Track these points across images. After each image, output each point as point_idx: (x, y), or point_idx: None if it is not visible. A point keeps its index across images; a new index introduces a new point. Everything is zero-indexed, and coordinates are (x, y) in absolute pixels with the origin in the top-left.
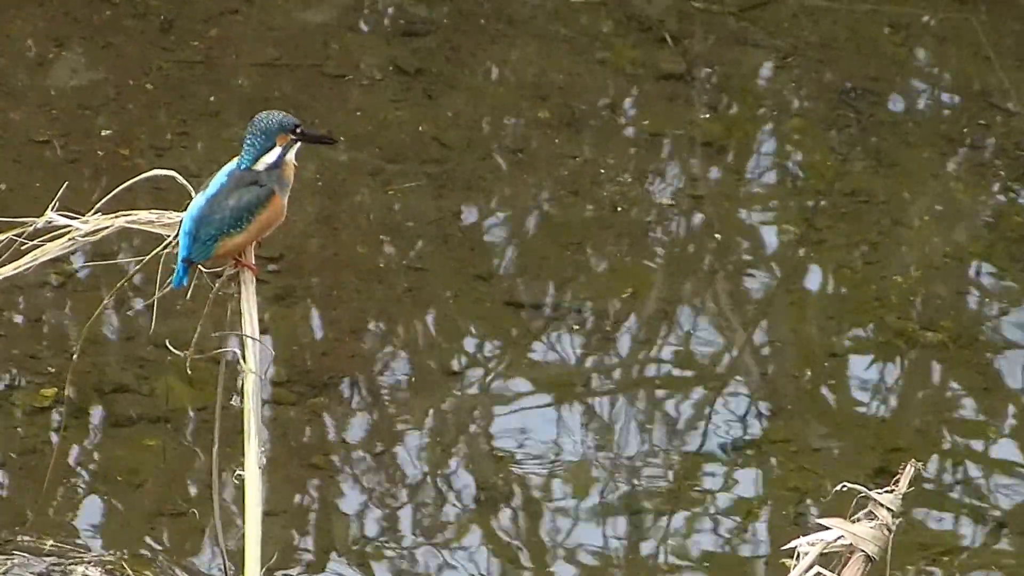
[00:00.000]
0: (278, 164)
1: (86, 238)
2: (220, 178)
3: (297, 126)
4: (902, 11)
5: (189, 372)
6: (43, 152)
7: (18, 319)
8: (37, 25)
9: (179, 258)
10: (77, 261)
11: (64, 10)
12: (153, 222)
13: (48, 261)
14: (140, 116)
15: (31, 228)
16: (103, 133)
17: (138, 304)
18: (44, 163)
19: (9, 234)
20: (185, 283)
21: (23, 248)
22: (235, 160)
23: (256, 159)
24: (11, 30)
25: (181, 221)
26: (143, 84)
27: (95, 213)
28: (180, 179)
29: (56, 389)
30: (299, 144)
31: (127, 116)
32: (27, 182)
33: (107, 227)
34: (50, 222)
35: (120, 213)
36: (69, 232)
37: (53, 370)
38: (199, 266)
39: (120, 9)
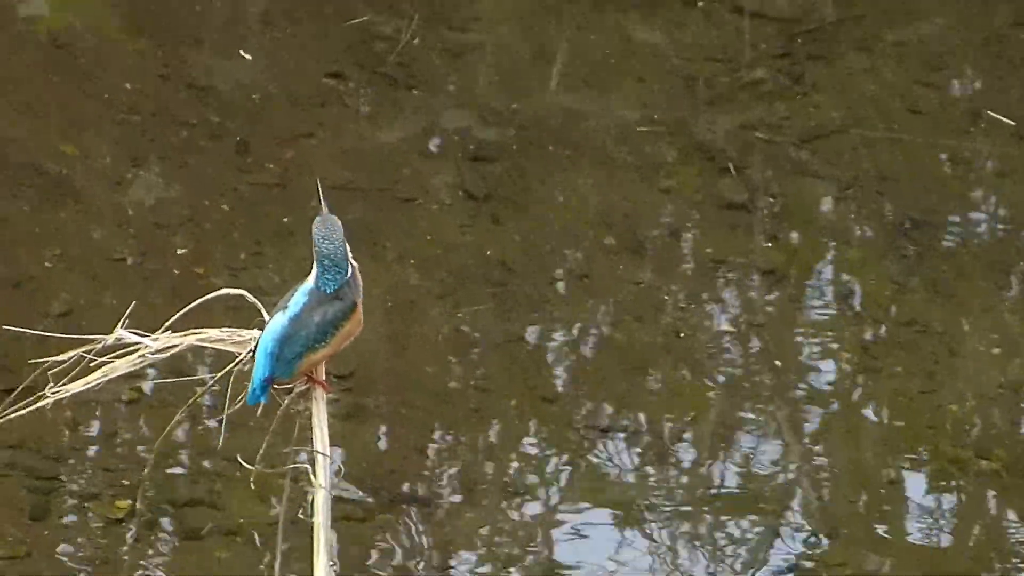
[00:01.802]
0: (351, 282)
1: (156, 355)
2: (300, 298)
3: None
4: (960, 144)
5: (253, 487)
6: (119, 270)
7: (94, 433)
8: (116, 145)
9: (257, 377)
10: (152, 378)
11: (142, 130)
12: (224, 340)
13: (123, 376)
14: (215, 235)
15: (101, 345)
16: (179, 252)
17: (210, 420)
18: (120, 280)
19: (80, 350)
20: (263, 401)
21: (92, 365)
22: (310, 280)
23: (341, 286)
24: (90, 149)
25: (255, 340)
26: (219, 204)
27: (165, 331)
28: (250, 298)
29: (130, 501)
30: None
31: (202, 235)
32: (103, 299)
33: (177, 345)
34: (120, 339)
35: (190, 331)
36: (139, 349)
37: (127, 483)
38: (275, 384)
39: (197, 130)
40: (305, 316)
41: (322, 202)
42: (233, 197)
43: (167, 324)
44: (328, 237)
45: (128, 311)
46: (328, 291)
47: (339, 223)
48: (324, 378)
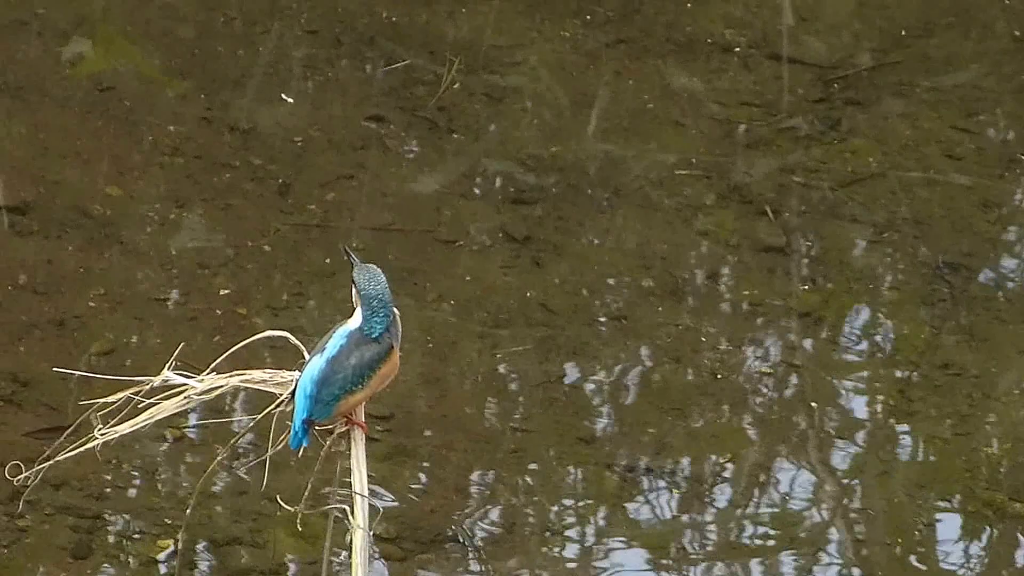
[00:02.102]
0: (393, 320)
1: (201, 396)
2: (338, 340)
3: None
4: (995, 189)
5: (299, 527)
6: (163, 310)
7: (136, 472)
8: (159, 187)
9: (297, 419)
10: (194, 418)
11: (186, 173)
12: (266, 381)
13: (167, 417)
14: (257, 276)
15: (148, 387)
16: (221, 292)
17: (250, 460)
18: (164, 321)
19: (127, 392)
20: (305, 444)
21: (139, 406)
22: (351, 323)
23: (387, 328)
24: (134, 191)
25: (295, 381)
26: (261, 245)
27: (209, 372)
28: (292, 339)
29: (171, 540)
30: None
31: (245, 276)
32: (147, 339)
33: (221, 386)
34: (166, 381)
35: (234, 372)
36: (184, 391)
37: (169, 522)
38: (315, 425)
39: (240, 172)
40: (342, 359)
41: (354, 261)
42: (275, 238)
43: (212, 366)
44: (374, 280)
45: (176, 353)
46: (375, 334)
47: (379, 269)
48: (363, 419)
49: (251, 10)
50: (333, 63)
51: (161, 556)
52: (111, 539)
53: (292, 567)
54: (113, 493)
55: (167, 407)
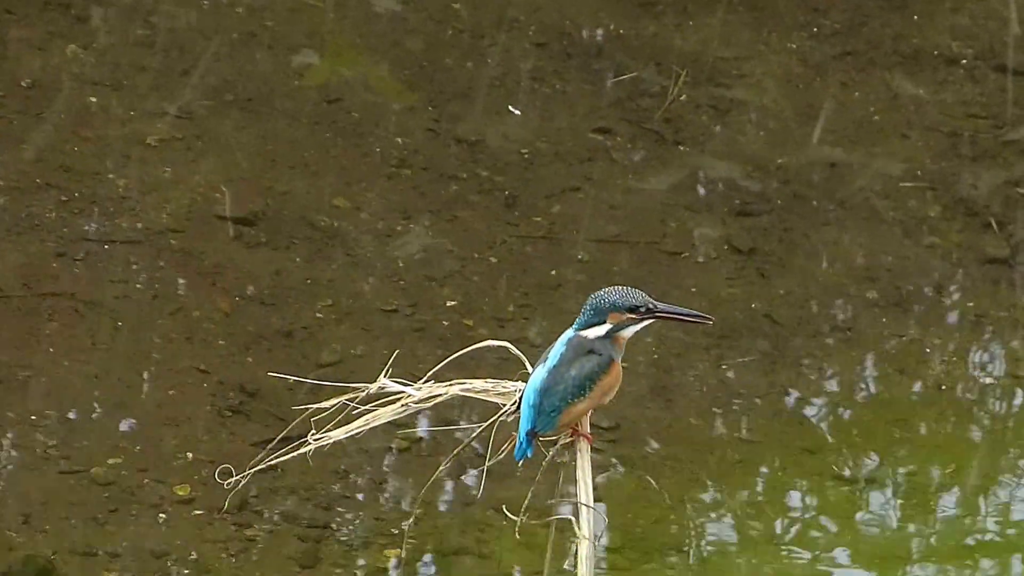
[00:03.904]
0: (608, 336)
1: (419, 404)
2: (559, 348)
3: (637, 307)
4: None
5: (518, 536)
6: (390, 321)
7: (363, 482)
8: (387, 199)
9: (522, 431)
10: (420, 426)
11: (413, 185)
12: (488, 391)
13: (395, 426)
14: (483, 288)
15: (365, 393)
16: (448, 304)
17: (475, 470)
18: (391, 331)
19: (342, 398)
20: (529, 455)
21: (355, 413)
22: (569, 331)
23: (582, 328)
24: (362, 202)
25: (519, 391)
26: (487, 257)
27: (428, 380)
28: (514, 350)
29: (398, 550)
30: (644, 323)
31: (471, 288)
32: (374, 349)
33: (440, 394)
34: (383, 388)
35: (455, 381)
36: (402, 398)
37: (396, 532)
38: (540, 436)
39: (466, 185)
40: (562, 369)
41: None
42: (501, 250)
43: (430, 373)
44: (605, 291)
45: (391, 359)
46: (575, 330)
47: (632, 298)
48: (588, 430)
49: (479, 23)
50: (560, 75)
51: (388, 566)
52: (338, 548)
53: None
54: (341, 503)
55: (383, 414)
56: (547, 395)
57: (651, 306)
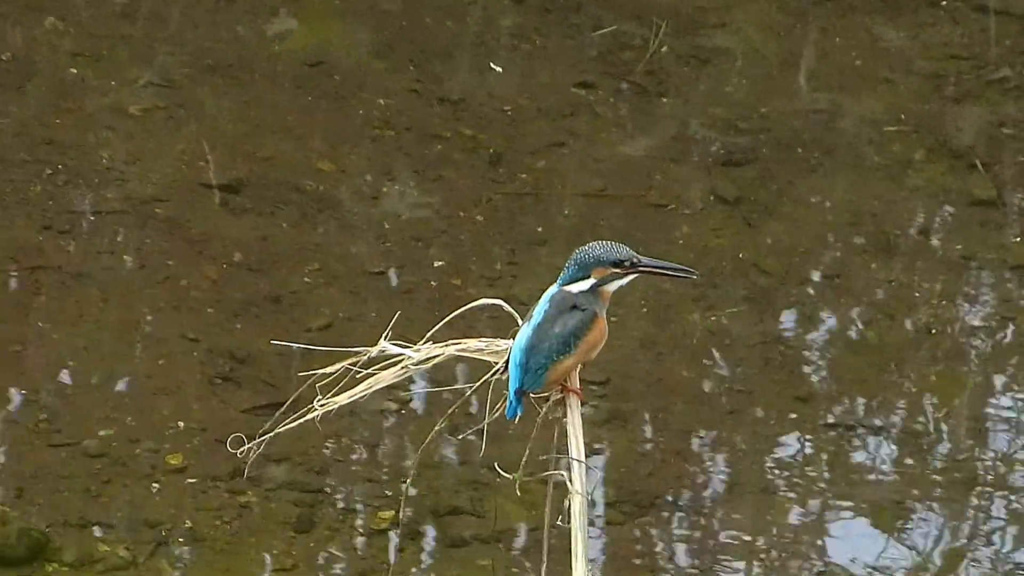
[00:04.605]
0: (593, 291)
1: (418, 366)
2: (543, 305)
3: (621, 261)
4: None
5: (519, 493)
6: (378, 283)
7: (357, 445)
8: (371, 160)
9: (511, 389)
10: (412, 388)
11: (396, 145)
12: (482, 350)
13: (385, 389)
14: (471, 247)
15: (366, 357)
16: (435, 264)
17: (469, 430)
18: (379, 294)
19: (345, 363)
20: (519, 413)
21: (358, 376)
22: (553, 287)
23: (566, 283)
24: (346, 165)
25: (509, 350)
26: (473, 216)
27: (426, 342)
28: (507, 307)
29: (393, 512)
30: (628, 277)
31: (458, 247)
32: (363, 312)
33: (438, 355)
34: (383, 351)
35: (450, 341)
36: (401, 360)
37: (390, 494)
38: (530, 394)
39: (450, 143)
40: (547, 326)
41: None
42: (487, 208)
43: (428, 335)
44: (588, 246)
45: (391, 322)
46: (557, 286)
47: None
48: (578, 386)
49: None
50: (541, 31)
51: (384, 527)
52: (333, 513)
53: (514, 535)
54: (334, 467)
55: (385, 377)
56: (533, 353)
57: (635, 260)
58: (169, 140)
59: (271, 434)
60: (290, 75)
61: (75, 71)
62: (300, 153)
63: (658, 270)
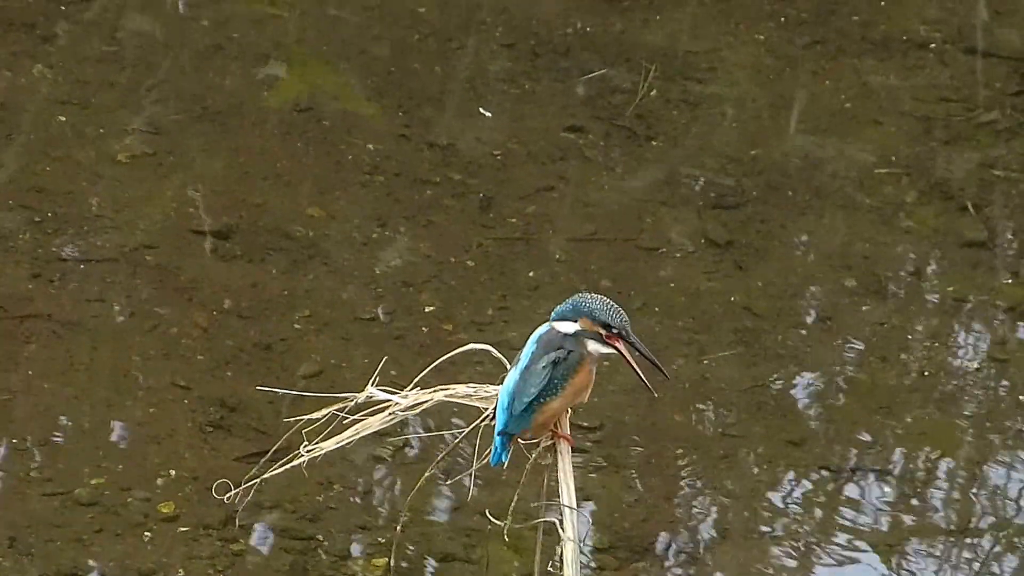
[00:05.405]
0: (576, 337)
1: (406, 412)
2: (530, 347)
3: (609, 325)
4: None
5: (506, 539)
6: (369, 329)
7: (351, 491)
8: (362, 206)
9: (496, 433)
10: (403, 434)
11: (387, 191)
12: (471, 395)
13: (377, 435)
14: (462, 292)
15: (353, 403)
16: (427, 309)
17: (460, 475)
18: (370, 339)
19: (331, 408)
20: (504, 459)
21: (345, 423)
22: (544, 325)
23: (558, 319)
24: (336, 211)
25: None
26: (464, 261)
27: (413, 388)
28: (495, 352)
29: (386, 559)
30: (607, 348)
31: (449, 292)
32: (354, 358)
33: (426, 401)
34: (370, 397)
35: (439, 387)
36: (389, 406)
37: (383, 540)
38: (518, 439)
39: (440, 189)
40: (533, 368)
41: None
42: (478, 253)
43: (415, 381)
44: (589, 296)
45: (378, 368)
46: (551, 320)
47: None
48: (568, 431)
49: (446, 26)
50: (530, 75)
51: (377, 574)
52: (326, 559)
53: None
54: (327, 514)
55: (372, 423)
56: (520, 395)
57: (624, 332)
58: (158, 187)
59: (258, 480)
60: (279, 121)
61: (63, 118)
62: (290, 199)
63: (637, 358)
